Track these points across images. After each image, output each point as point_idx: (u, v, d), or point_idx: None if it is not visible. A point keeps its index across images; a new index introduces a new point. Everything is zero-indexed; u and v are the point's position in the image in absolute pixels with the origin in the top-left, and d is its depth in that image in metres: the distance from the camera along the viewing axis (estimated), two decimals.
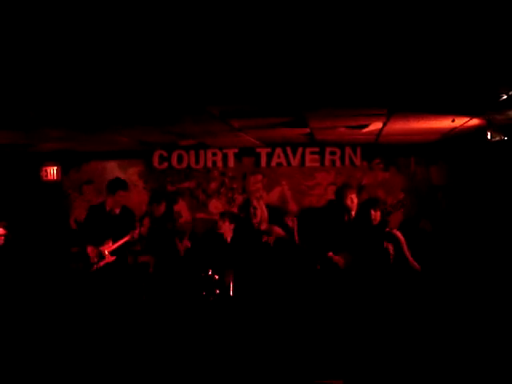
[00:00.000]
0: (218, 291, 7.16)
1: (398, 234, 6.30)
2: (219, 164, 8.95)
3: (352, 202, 7.07)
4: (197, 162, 8.97)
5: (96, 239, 7.20)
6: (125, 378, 5.45)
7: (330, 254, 6.89)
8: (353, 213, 7.11)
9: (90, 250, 7.13)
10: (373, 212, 6.94)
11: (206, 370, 5.57)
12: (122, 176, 9.03)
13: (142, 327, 6.65)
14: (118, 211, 7.37)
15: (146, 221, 7.63)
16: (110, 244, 7.19)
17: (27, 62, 3.75)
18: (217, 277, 7.32)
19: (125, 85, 4.48)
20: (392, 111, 5.62)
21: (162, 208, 7.99)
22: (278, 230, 7.54)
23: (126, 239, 7.23)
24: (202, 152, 8.93)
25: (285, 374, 5.46)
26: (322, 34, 3.16)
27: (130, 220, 7.43)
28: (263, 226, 7.57)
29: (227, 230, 7.63)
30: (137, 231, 7.35)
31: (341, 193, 7.19)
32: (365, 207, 7.09)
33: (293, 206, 8.80)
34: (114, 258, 7.17)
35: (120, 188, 7.31)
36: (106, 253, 7.14)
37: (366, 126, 6.57)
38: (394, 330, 5.98)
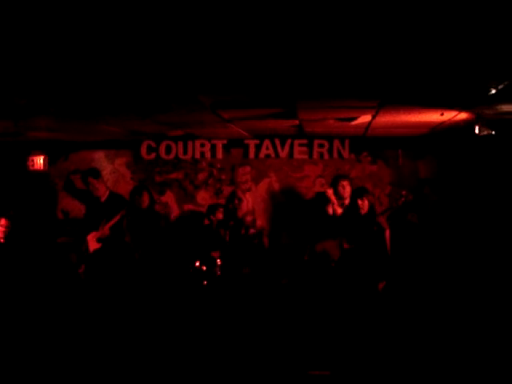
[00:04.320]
0: (205, 283, 7.19)
1: (385, 224, 6.48)
2: (207, 155, 8.90)
3: (344, 188, 7.25)
4: (185, 152, 8.91)
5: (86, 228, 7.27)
6: (121, 366, 5.45)
7: None
8: (346, 201, 7.22)
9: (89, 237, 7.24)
10: (359, 201, 6.98)
11: (197, 361, 5.58)
12: (109, 166, 9.03)
13: (134, 317, 6.65)
14: (103, 199, 7.35)
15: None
16: (94, 232, 7.19)
17: (16, 49, 3.70)
18: (204, 268, 7.34)
19: (115, 73, 4.45)
20: (383, 103, 5.64)
21: (146, 199, 7.61)
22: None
23: (112, 223, 7.17)
24: (190, 143, 8.88)
25: (275, 365, 5.48)
26: (316, 24, 3.16)
27: (117, 205, 7.35)
28: (248, 218, 7.60)
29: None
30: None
31: (334, 181, 7.44)
32: (351, 197, 7.15)
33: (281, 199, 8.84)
34: (99, 244, 7.14)
35: (89, 175, 7.36)
36: (92, 239, 7.12)
37: (356, 118, 6.58)
38: (381, 320, 6.04)
